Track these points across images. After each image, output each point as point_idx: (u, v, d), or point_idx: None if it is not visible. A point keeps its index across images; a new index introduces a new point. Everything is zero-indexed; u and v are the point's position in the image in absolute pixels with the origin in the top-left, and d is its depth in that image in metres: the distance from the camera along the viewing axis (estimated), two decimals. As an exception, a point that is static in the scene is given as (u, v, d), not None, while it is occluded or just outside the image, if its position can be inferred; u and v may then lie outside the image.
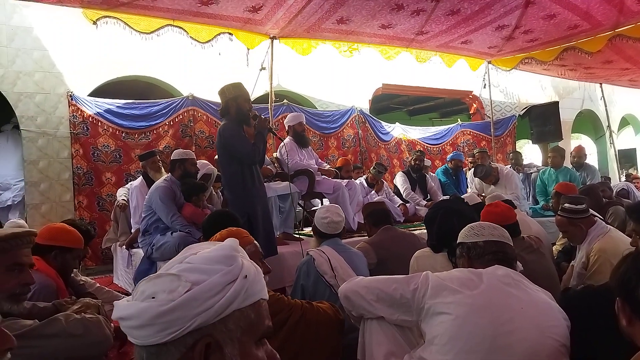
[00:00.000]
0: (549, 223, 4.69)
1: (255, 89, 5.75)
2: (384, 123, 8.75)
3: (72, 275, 2.61)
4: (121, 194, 5.08)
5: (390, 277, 1.84)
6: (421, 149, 8.12)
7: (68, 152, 5.88)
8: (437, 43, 6.11)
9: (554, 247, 4.03)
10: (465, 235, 1.90)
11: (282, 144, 4.88)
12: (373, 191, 5.96)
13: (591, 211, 3.20)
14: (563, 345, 1.54)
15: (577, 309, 1.71)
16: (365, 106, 8.52)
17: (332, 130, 7.91)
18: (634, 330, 1.22)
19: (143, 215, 3.88)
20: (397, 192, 6.27)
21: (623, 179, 9.44)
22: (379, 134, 8.53)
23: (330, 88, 8.23)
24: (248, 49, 5.43)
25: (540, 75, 8.84)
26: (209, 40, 5.06)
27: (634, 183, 7.25)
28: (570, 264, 3.27)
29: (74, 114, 5.88)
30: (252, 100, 4.19)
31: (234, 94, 3.73)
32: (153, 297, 0.76)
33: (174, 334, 0.75)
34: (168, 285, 0.77)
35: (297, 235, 4.54)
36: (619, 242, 2.82)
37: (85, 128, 5.92)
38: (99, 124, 5.97)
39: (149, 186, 4.52)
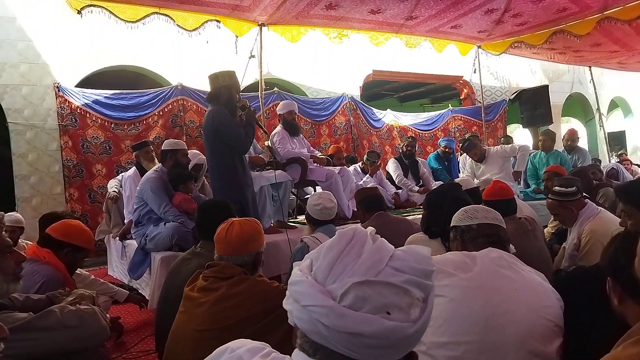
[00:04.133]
0: (540, 206, 4.73)
1: (245, 77, 5.70)
2: (375, 110, 8.75)
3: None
4: (112, 185, 5.04)
5: (385, 261, 1.84)
6: (413, 135, 8.15)
7: (57, 144, 5.82)
8: (427, 28, 6.08)
9: (546, 230, 4.07)
10: (458, 218, 1.90)
11: (274, 132, 4.86)
12: (367, 175, 5.97)
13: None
14: (556, 326, 1.56)
15: (569, 290, 1.73)
16: (356, 93, 8.50)
17: (323, 118, 7.89)
18: (625, 308, 1.24)
19: (135, 207, 3.85)
20: (390, 178, 6.29)
21: (613, 161, 9.54)
22: (370, 120, 8.52)
23: (321, 75, 8.19)
24: (236, 37, 5.36)
25: (529, 59, 8.85)
26: (197, 28, 5.00)
27: (625, 164, 7.34)
28: (562, 246, 3.31)
29: (62, 105, 5.82)
30: (241, 88, 4.17)
31: (228, 82, 3.74)
32: (388, 313, 0.73)
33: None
34: (398, 299, 0.74)
35: (291, 223, 4.54)
36: (610, 223, 2.85)
37: (74, 119, 5.85)
38: (87, 115, 5.91)
39: (142, 176, 4.50)
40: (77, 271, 2.78)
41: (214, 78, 3.76)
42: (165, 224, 3.62)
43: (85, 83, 6.28)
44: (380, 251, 0.79)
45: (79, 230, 2.41)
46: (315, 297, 0.74)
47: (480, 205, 1.99)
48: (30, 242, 4.01)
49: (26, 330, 1.53)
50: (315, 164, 4.87)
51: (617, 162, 7.94)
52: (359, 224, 0.80)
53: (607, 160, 9.84)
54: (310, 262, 0.81)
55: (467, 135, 7.08)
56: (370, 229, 0.85)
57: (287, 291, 0.81)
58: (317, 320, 0.73)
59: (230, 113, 3.71)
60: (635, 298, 1.21)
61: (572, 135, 6.51)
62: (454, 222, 1.93)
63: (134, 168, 4.76)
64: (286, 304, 0.81)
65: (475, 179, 5.50)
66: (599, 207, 3.12)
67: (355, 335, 0.72)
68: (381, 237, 2.83)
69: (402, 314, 0.74)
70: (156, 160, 4.66)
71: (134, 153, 4.84)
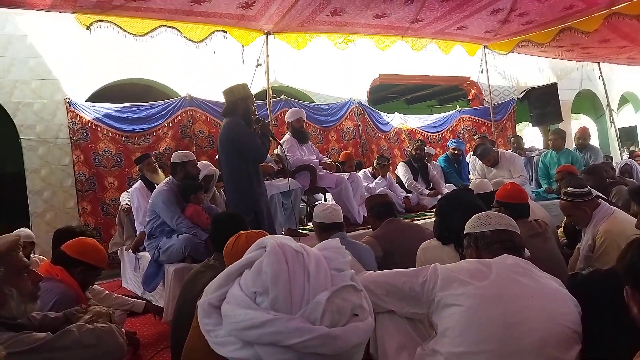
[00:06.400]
0: (553, 206, 4.70)
1: (252, 86, 5.73)
2: (382, 113, 8.73)
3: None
4: (124, 198, 5.09)
5: (399, 270, 1.84)
6: (421, 138, 8.13)
7: (69, 158, 5.88)
8: (433, 30, 6.08)
9: (560, 230, 4.03)
10: (472, 225, 1.89)
11: (282, 140, 4.87)
12: (379, 177, 5.98)
13: (595, 192, 3.21)
14: (575, 332, 1.55)
15: (585, 295, 1.71)
16: (363, 97, 8.50)
17: (331, 124, 7.90)
18: None
19: (147, 219, 3.88)
20: (399, 182, 6.28)
21: (625, 156, 9.42)
22: (378, 124, 8.50)
23: (327, 81, 8.20)
24: (243, 46, 5.41)
25: (537, 57, 8.79)
26: (203, 39, 5.05)
27: (637, 161, 7.24)
28: (577, 247, 3.27)
29: (73, 120, 5.88)
30: (250, 98, 4.20)
31: (243, 95, 3.78)
32: (356, 314, 0.78)
33: None
34: (355, 298, 0.79)
35: (302, 231, 4.54)
36: (625, 223, 2.82)
37: (85, 134, 5.92)
38: (99, 129, 5.97)
39: (148, 187, 4.62)
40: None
41: (229, 92, 3.80)
42: (177, 235, 3.64)
43: (96, 97, 6.35)
44: (319, 259, 0.78)
45: (94, 249, 2.42)
46: (302, 331, 0.70)
47: (493, 212, 1.98)
48: (44, 258, 4.06)
49: (45, 350, 1.55)
50: (324, 171, 4.88)
51: (629, 158, 7.85)
52: (275, 237, 0.77)
53: (619, 157, 9.73)
54: (253, 294, 0.74)
55: (476, 137, 7.06)
56: (279, 237, 0.82)
57: (238, 337, 0.74)
58: (313, 353, 0.70)
59: (247, 124, 3.74)
60: None
61: (584, 134, 6.44)
62: (467, 229, 1.92)
63: (139, 181, 4.82)
64: (244, 351, 0.74)
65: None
66: (613, 207, 3.08)
67: (348, 351, 0.72)
68: (393, 242, 2.82)
69: (363, 310, 0.76)
70: (159, 171, 4.75)
71: (137, 166, 4.92)
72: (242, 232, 2.06)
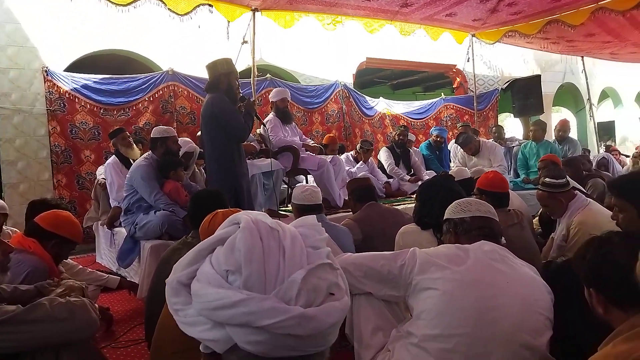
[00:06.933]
0: (530, 196, 4.78)
1: (237, 64, 5.62)
2: (367, 98, 8.71)
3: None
4: (101, 172, 4.98)
5: (377, 253, 1.84)
6: (405, 124, 8.14)
7: (45, 129, 5.72)
8: (422, 15, 6.03)
9: (535, 220, 4.10)
10: (452, 211, 1.90)
11: (266, 120, 4.82)
12: (360, 163, 5.99)
13: (572, 183, 3.27)
14: (547, 319, 1.58)
15: (558, 283, 1.74)
16: (349, 80, 8.45)
17: (316, 106, 7.85)
18: (612, 316, 1.23)
19: (125, 195, 3.81)
20: (381, 167, 6.30)
21: (602, 150, 9.62)
22: (363, 108, 8.48)
23: (314, 62, 8.12)
24: (228, 22, 5.28)
25: (522, 48, 8.84)
26: (188, 13, 4.90)
27: (613, 154, 7.41)
28: (550, 236, 3.34)
29: (50, 89, 5.71)
30: (234, 75, 4.12)
31: (227, 70, 3.68)
32: (332, 293, 0.74)
33: None
34: (331, 276, 0.76)
35: (283, 212, 4.53)
36: (598, 215, 2.88)
37: (62, 104, 5.75)
38: (76, 100, 5.81)
39: (122, 162, 4.52)
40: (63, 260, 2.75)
41: (212, 66, 3.70)
42: (155, 212, 3.59)
43: (74, 67, 6.16)
44: (294, 235, 0.75)
45: (69, 222, 2.36)
46: (276, 312, 0.66)
47: (473, 199, 1.99)
48: (16, 230, 3.96)
49: (14, 323, 1.51)
50: (307, 153, 4.85)
51: (606, 152, 8.01)
52: (244, 212, 0.73)
53: (597, 150, 9.93)
54: (225, 273, 0.71)
55: (459, 126, 7.10)
56: (253, 213, 0.79)
57: (208, 318, 0.69)
58: (287, 334, 0.66)
59: (231, 100, 3.66)
60: (621, 307, 1.20)
61: (564, 126, 6.54)
62: (447, 214, 1.93)
63: (113, 156, 4.72)
64: (214, 332, 0.70)
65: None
66: (588, 199, 3.14)
67: (324, 331, 0.69)
68: (373, 226, 2.82)
69: (339, 288, 0.74)
70: (134, 146, 4.64)
71: (112, 141, 4.79)
72: (219, 210, 2.04)
